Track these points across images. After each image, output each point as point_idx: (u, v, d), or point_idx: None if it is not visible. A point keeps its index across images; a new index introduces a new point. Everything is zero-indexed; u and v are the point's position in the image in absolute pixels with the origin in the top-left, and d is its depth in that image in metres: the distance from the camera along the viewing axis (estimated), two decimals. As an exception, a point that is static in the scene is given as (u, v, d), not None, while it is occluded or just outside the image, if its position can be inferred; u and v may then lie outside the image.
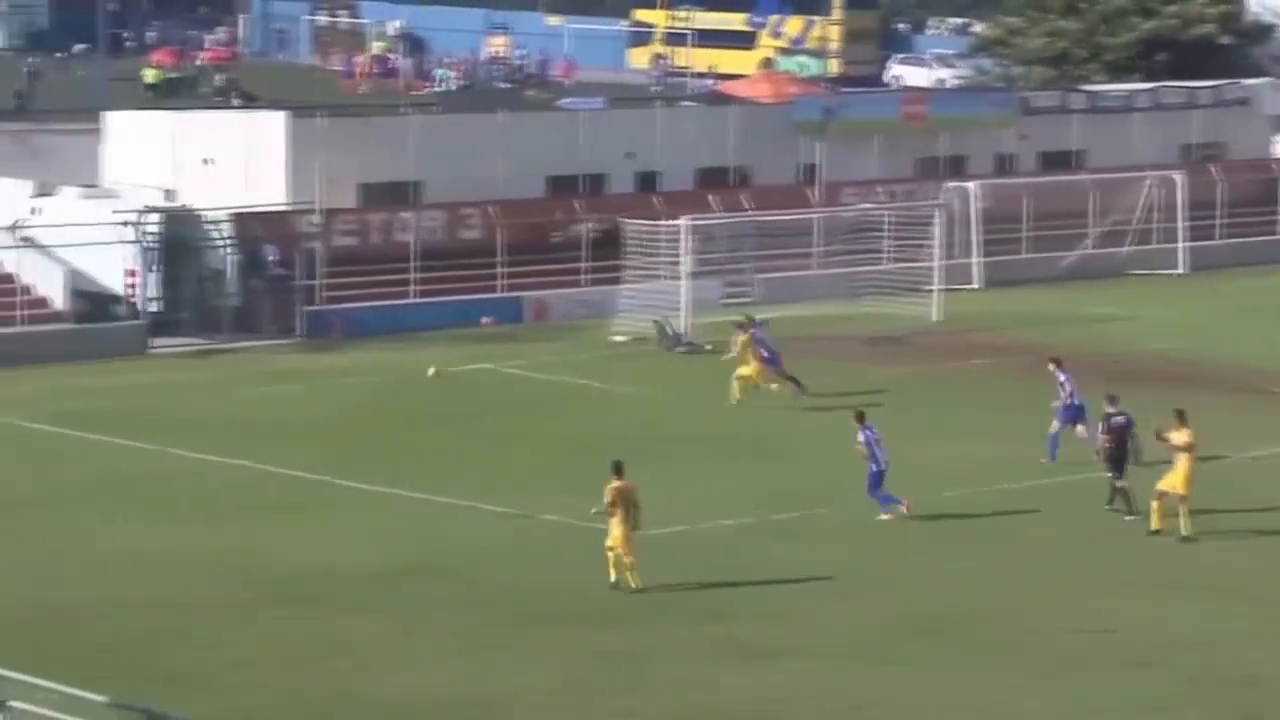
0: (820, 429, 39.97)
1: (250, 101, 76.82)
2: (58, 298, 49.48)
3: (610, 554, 29.54)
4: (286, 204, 53.11)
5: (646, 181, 59.80)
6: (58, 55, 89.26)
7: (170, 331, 49.79)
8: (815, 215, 58.37)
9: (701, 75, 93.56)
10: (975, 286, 58.79)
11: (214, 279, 50.90)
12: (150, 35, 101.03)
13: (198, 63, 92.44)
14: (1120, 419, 34.48)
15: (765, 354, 42.86)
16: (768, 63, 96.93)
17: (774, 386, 43.09)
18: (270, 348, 49.65)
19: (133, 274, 49.62)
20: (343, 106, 70.44)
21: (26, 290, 49.20)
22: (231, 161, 54.19)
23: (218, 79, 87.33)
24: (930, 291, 54.15)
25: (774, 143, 61.71)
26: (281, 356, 48.92)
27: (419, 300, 53.00)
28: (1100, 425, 34.91)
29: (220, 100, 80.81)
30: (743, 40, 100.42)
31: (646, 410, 43.11)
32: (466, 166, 55.85)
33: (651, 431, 40.36)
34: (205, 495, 35.15)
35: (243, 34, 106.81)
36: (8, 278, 49.58)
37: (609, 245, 54.24)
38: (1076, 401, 37.74)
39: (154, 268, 49.95)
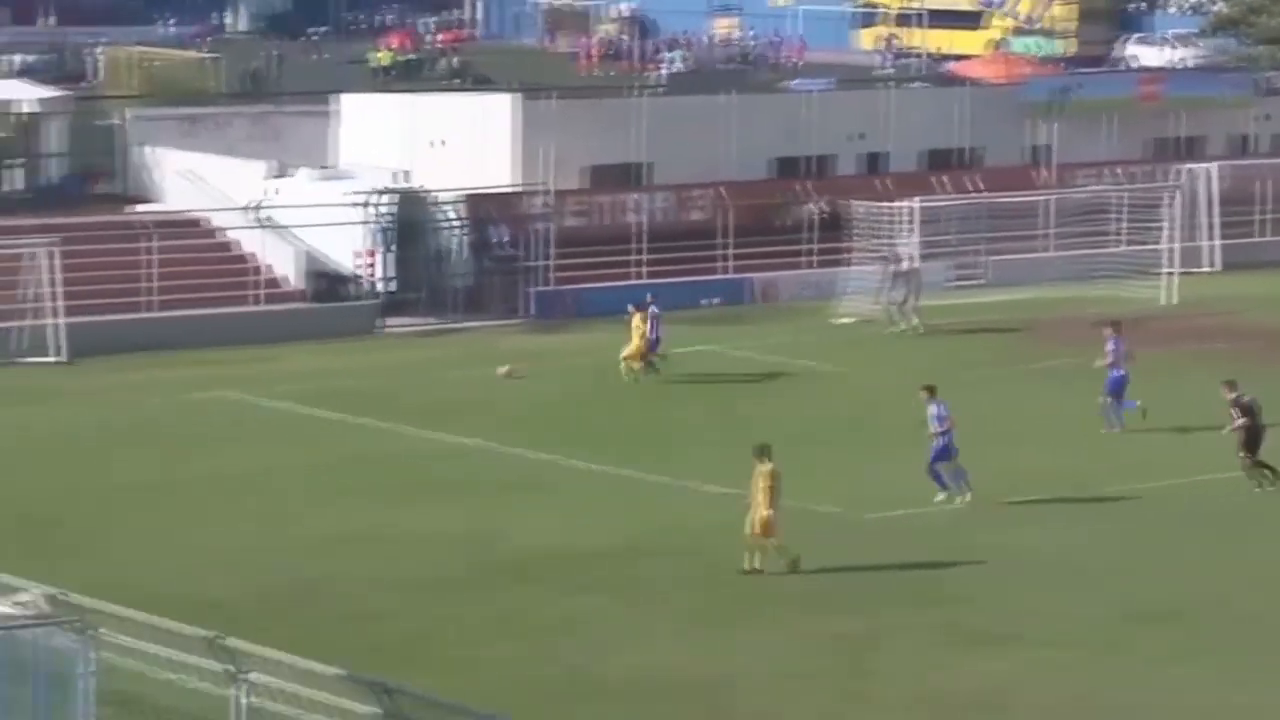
0: (1051, 412, 39.62)
1: (481, 84, 77.51)
2: (293, 277, 50.45)
3: (758, 540, 29.23)
4: (516, 185, 53.64)
5: (873, 163, 59.60)
6: (312, 35, 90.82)
7: (402, 311, 50.55)
8: (1046, 197, 57.82)
9: (932, 56, 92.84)
10: (1211, 269, 57.88)
11: (445, 259, 51.59)
12: (385, 18, 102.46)
13: (434, 45, 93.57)
14: (1248, 399, 34.44)
15: (654, 336, 43.32)
16: (1000, 43, 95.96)
17: (634, 367, 43.21)
18: (499, 327, 50.23)
19: (367, 254, 50.45)
20: (572, 89, 70.88)
21: (264, 270, 50.24)
22: (463, 143, 54.82)
23: (450, 61, 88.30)
24: (1164, 274, 53.43)
25: (1004, 124, 61.17)
26: (510, 336, 49.45)
27: (646, 281, 53.26)
28: (1232, 410, 34.59)
29: (452, 83, 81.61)
30: (974, 20, 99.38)
31: (872, 392, 43.00)
32: (694, 148, 56.03)
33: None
34: (438, 474, 35.58)
35: (476, 16, 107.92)
36: (246, 258, 50.65)
37: (835, 226, 54.21)
38: (1120, 372, 38.74)
39: (387, 248, 50.71)
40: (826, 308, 51.87)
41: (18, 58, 74.53)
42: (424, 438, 38.14)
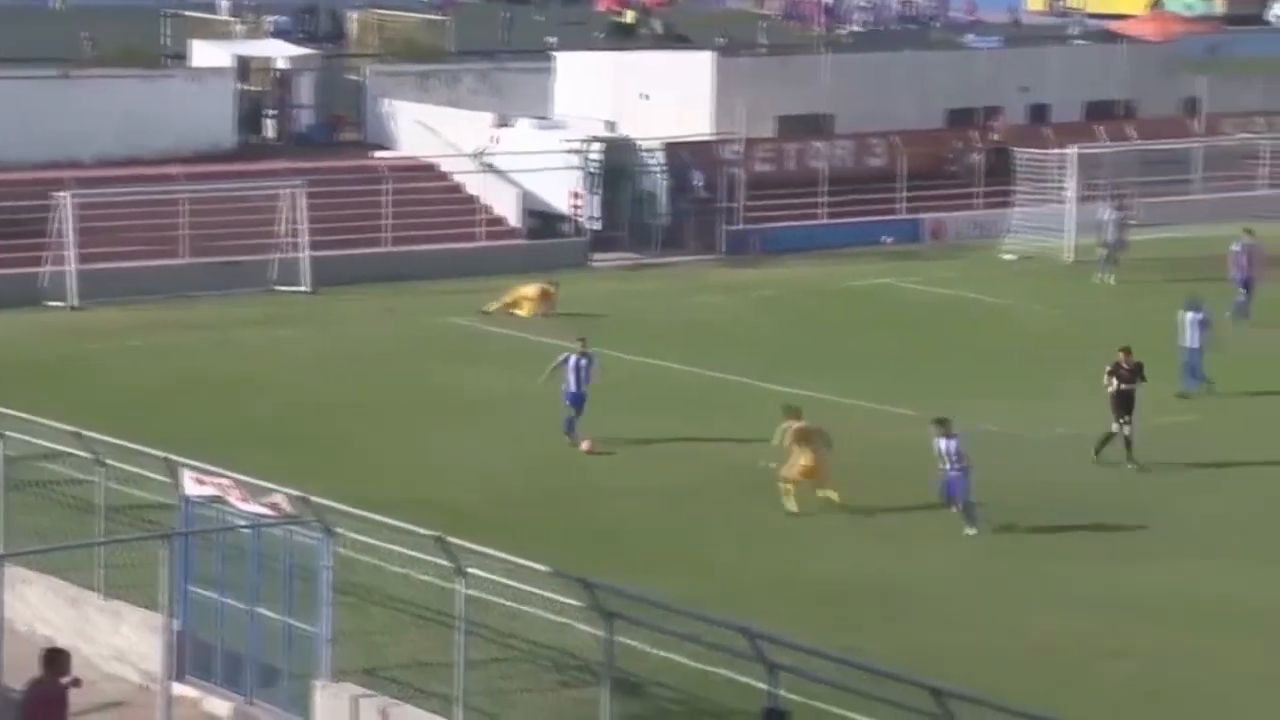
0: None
1: (683, 43, 77.25)
2: (512, 216, 50.85)
3: (788, 485, 28.16)
4: (712, 134, 53.63)
5: (1038, 113, 58.92)
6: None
7: (607, 247, 50.78)
8: (1196, 145, 56.94)
9: (1093, 15, 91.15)
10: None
11: (647, 201, 51.73)
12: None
13: (641, 5, 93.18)
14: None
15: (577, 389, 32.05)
16: (1157, 2, 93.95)
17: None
18: (695, 263, 50.30)
19: (577, 196, 50.71)
20: (763, 46, 70.51)
21: (487, 210, 50.67)
22: (664, 96, 54.87)
23: (652, 25, 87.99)
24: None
25: (1159, 78, 60.18)
26: (706, 270, 49.51)
27: (828, 221, 53.18)
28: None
29: (656, 42, 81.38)
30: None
31: (1034, 322, 42.58)
32: (873, 100, 55.73)
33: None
34: (644, 392, 35.57)
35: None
36: (471, 199, 51.11)
37: (1002, 172, 53.75)
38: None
39: (595, 190, 50.96)
40: (992, 245, 51.43)
41: (271, 18, 75.40)
42: (636, 362, 38.16)
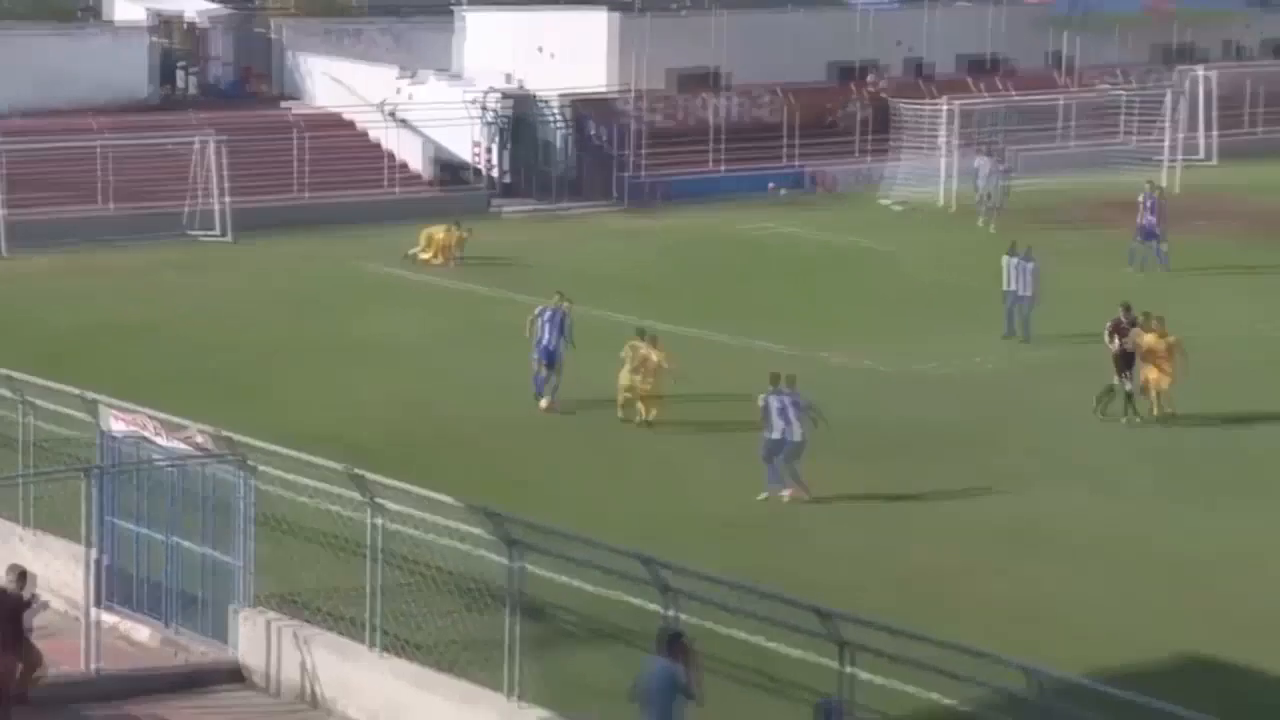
0: (1065, 292, 39.39)
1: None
2: (420, 166, 50.56)
3: (621, 395, 29.13)
4: (610, 88, 53.47)
5: (917, 68, 59.16)
6: None
7: (512, 195, 50.63)
8: (1063, 98, 57.40)
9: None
10: (1207, 160, 57.33)
11: (548, 151, 51.60)
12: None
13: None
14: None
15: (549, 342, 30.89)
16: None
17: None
18: (595, 210, 50.24)
19: (481, 146, 50.47)
20: (657, 4, 70.28)
21: (395, 160, 50.36)
22: (565, 52, 54.67)
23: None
24: (1163, 163, 53.05)
25: (1030, 34, 60.59)
26: (605, 217, 49.46)
27: (720, 171, 53.22)
28: None
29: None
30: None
31: (915, 266, 42.83)
32: (762, 55, 55.77)
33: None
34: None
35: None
36: (381, 149, 50.75)
37: (883, 124, 53.94)
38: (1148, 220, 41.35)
39: (500, 142, 50.75)
40: (873, 194, 51.65)
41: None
42: (532, 303, 38.06)
